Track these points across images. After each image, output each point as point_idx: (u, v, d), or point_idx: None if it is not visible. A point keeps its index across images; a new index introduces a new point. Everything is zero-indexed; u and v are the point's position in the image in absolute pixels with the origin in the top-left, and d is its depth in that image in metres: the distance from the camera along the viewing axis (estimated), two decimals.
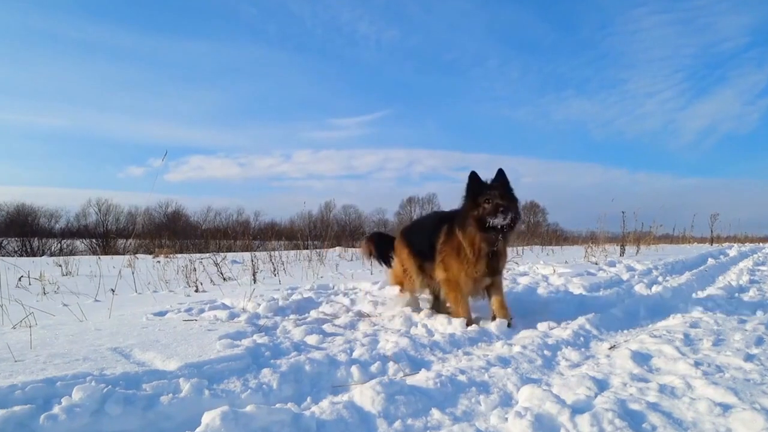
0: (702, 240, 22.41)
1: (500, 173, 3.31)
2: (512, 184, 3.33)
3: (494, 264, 3.35)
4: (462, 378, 2.16)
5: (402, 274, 3.89)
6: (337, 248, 14.01)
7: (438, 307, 3.79)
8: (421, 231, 3.80)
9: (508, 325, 3.26)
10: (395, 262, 4.05)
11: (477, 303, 3.67)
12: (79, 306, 3.84)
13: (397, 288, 3.95)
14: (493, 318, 3.43)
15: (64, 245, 33.66)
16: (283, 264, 8.08)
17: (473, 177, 3.29)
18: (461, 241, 3.32)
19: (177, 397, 1.82)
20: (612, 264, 7.63)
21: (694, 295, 5.02)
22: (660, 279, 6.09)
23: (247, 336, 2.74)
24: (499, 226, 3.17)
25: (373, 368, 2.34)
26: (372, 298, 4.32)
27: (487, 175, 3.35)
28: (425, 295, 4.02)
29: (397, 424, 1.78)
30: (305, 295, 4.35)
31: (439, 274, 3.48)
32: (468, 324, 3.22)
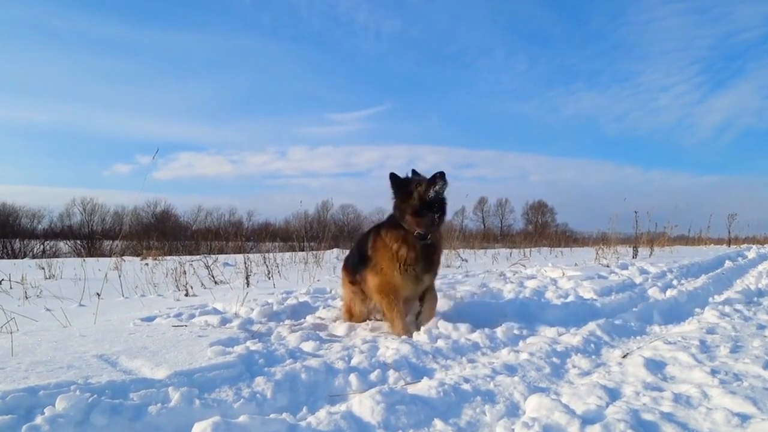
0: (719, 241, 22.40)
1: (441, 173, 3.25)
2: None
3: (431, 257, 3.30)
4: (466, 387, 2.17)
5: (348, 303, 3.69)
6: (334, 250, 13.99)
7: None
8: (356, 247, 3.72)
9: (417, 328, 3.25)
10: (343, 295, 3.80)
11: (477, 304, 3.67)
12: (63, 311, 3.84)
13: (346, 325, 3.51)
14: (417, 319, 3.43)
15: (47, 247, 33.61)
16: (277, 266, 8.08)
17: (393, 177, 3.30)
18: (388, 239, 3.27)
19: (166, 407, 1.82)
20: (624, 266, 7.62)
21: (710, 299, 5.02)
22: (675, 282, 6.09)
23: (240, 342, 2.74)
24: (436, 205, 3.16)
25: (373, 376, 2.34)
26: None
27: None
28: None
29: None
30: (301, 300, 4.35)
31: (371, 281, 3.33)
32: (405, 334, 3.15)
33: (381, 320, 3.61)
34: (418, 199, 3.19)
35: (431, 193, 3.17)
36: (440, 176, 3.18)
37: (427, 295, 3.48)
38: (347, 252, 4.11)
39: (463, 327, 3.26)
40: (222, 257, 11.04)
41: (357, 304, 3.61)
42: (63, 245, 33.51)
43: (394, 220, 3.32)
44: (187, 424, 1.74)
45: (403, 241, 3.23)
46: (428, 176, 3.26)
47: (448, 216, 3.42)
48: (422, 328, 3.19)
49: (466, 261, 10.38)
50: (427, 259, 3.28)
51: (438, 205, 3.20)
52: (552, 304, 4.29)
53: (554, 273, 6.57)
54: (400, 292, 3.29)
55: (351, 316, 3.68)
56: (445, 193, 3.24)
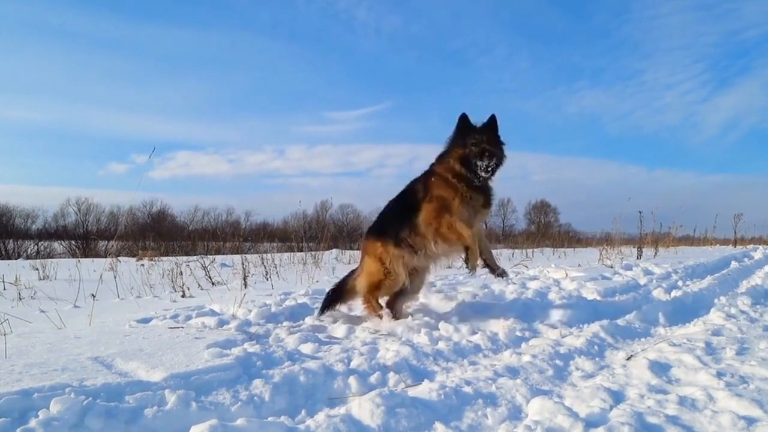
0: (725, 241, 22.42)
1: (492, 119, 3.52)
2: (500, 131, 3.57)
3: (486, 195, 3.52)
4: (467, 389, 2.17)
5: (378, 272, 3.62)
6: (333, 250, 14.01)
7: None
8: (392, 209, 3.75)
9: (496, 273, 3.61)
10: (367, 264, 3.73)
11: (479, 305, 3.67)
12: (58, 312, 3.84)
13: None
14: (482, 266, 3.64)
15: (41, 247, 33.63)
16: (275, 267, 8.08)
17: (463, 118, 3.51)
18: (444, 173, 3.46)
19: (162, 409, 1.82)
20: (628, 267, 7.62)
21: (716, 300, 5.02)
22: (680, 283, 6.09)
23: (238, 344, 2.74)
24: (481, 169, 3.39)
25: (373, 379, 2.34)
26: None
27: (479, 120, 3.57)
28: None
29: None
30: (300, 301, 4.35)
31: (426, 215, 3.44)
32: (471, 238, 3.35)
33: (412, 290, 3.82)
34: (464, 156, 3.42)
35: (477, 161, 3.37)
36: (488, 154, 3.36)
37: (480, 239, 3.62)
38: (375, 222, 4.00)
39: (465, 328, 3.27)
40: (219, 258, 11.02)
41: (400, 267, 3.59)
42: (57, 246, 33.55)
43: (445, 158, 3.52)
44: (184, 427, 1.74)
45: (460, 176, 3.43)
46: (486, 128, 3.50)
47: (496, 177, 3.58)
48: (422, 331, 3.20)
49: None
50: (483, 196, 3.50)
51: (484, 170, 3.39)
52: (555, 305, 4.29)
53: (557, 274, 6.57)
54: (464, 215, 3.42)
55: (381, 289, 3.68)
56: (494, 160, 3.41)
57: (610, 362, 2.80)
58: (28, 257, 25.30)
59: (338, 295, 3.92)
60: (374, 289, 3.71)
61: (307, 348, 2.81)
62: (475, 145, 3.39)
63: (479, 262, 3.57)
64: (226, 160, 75.83)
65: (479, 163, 3.37)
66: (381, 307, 3.74)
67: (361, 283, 3.76)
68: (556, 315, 3.82)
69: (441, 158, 3.58)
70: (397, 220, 3.62)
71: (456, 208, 3.40)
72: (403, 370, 2.45)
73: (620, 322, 3.60)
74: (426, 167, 3.69)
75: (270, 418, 1.86)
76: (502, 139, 3.55)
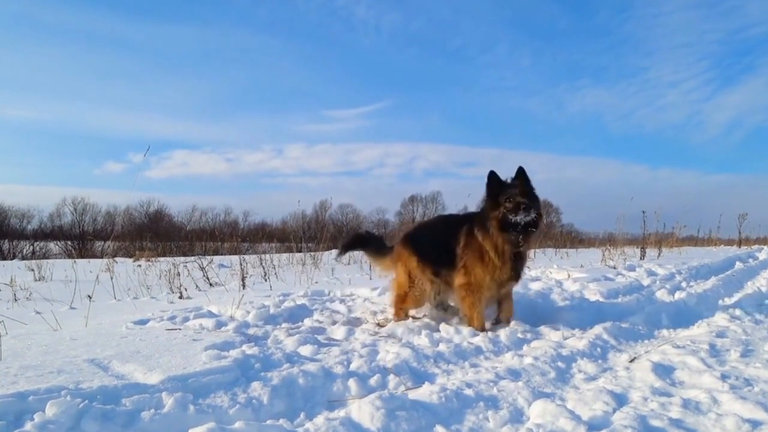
0: (729, 242, 22.41)
1: (520, 171, 3.45)
2: (533, 183, 3.49)
3: (518, 267, 3.47)
4: (469, 392, 2.17)
5: (407, 284, 3.76)
6: (333, 251, 14.00)
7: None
8: (435, 235, 3.83)
9: (503, 322, 3.62)
10: (399, 272, 3.86)
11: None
12: (53, 314, 3.84)
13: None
14: (497, 322, 3.68)
15: (37, 248, 33.68)
16: (274, 268, 8.09)
17: (492, 176, 3.44)
18: (483, 243, 3.43)
19: (159, 412, 1.82)
20: (631, 268, 7.63)
21: (720, 302, 5.02)
22: (683, 284, 6.09)
23: (236, 346, 2.75)
24: (521, 226, 3.30)
25: (372, 381, 2.34)
26: (371, 305, 4.33)
27: (506, 174, 3.50)
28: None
29: None
30: (298, 302, 4.35)
31: (459, 279, 3.52)
32: (482, 330, 3.38)
33: (447, 310, 3.93)
34: (501, 217, 3.32)
35: (514, 218, 3.28)
36: (525, 208, 3.25)
37: (505, 297, 3.71)
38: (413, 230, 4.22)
39: (466, 330, 3.27)
40: (217, 258, 11.03)
41: (426, 286, 3.72)
42: (53, 246, 33.59)
43: (485, 223, 3.43)
44: (181, 430, 1.74)
45: (496, 248, 3.38)
46: (517, 182, 3.40)
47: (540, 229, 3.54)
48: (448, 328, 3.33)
49: None
50: (514, 268, 3.44)
51: (523, 226, 3.30)
52: (557, 306, 4.29)
53: (559, 275, 6.57)
54: (485, 294, 3.48)
55: (407, 300, 3.77)
56: (533, 213, 3.30)
57: (613, 364, 2.80)
58: (23, 258, 25.34)
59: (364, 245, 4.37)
60: (401, 300, 3.82)
61: (306, 350, 2.81)
62: (509, 201, 3.30)
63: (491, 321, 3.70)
64: (224, 160, 75.85)
65: (516, 219, 3.27)
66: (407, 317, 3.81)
67: (391, 293, 3.95)
68: (558, 316, 3.82)
69: (481, 219, 3.49)
70: (439, 255, 3.69)
71: (486, 286, 3.46)
72: (403, 373, 2.46)
73: (623, 323, 3.60)
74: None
75: (268, 421, 1.86)
76: (535, 191, 3.45)
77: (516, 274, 3.49)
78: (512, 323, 3.53)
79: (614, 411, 2.00)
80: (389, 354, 2.70)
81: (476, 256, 3.45)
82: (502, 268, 3.40)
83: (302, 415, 2.00)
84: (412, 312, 3.90)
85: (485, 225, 3.42)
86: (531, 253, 13.81)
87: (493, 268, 3.40)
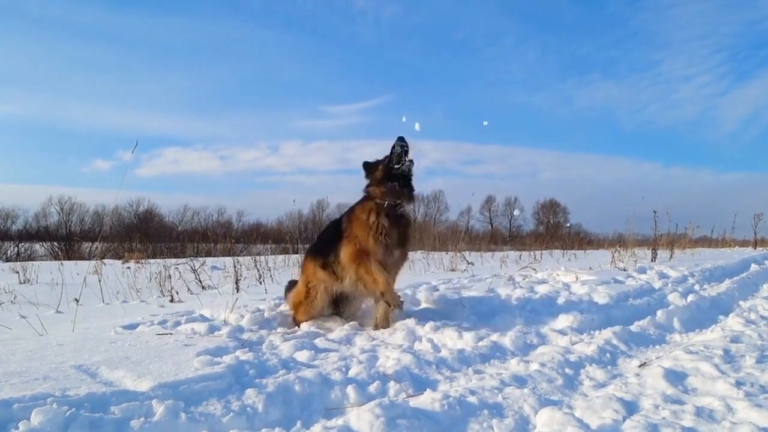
0: (744, 243, 22.40)
1: (401, 137, 3.71)
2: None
3: (403, 230, 3.64)
4: (472, 399, 2.17)
5: (303, 294, 3.80)
6: None
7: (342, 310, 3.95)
8: (329, 233, 3.96)
9: (375, 327, 3.61)
10: (298, 288, 3.92)
11: (484, 310, 3.67)
12: (39, 318, 3.84)
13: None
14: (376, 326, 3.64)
15: (22, 249, 33.67)
16: (269, 270, 8.08)
17: (365, 164, 3.86)
18: (360, 211, 3.65)
19: (150, 421, 1.82)
20: (642, 270, 7.63)
21: (735, 305, 5.03)
22: (696, 287, 6.10)
23: (229, 352, 2.75)
24: (402, 172, 3.63)
25: (372, 388, 2.34)
26: (370, 309, 4.32)
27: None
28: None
29: None
30: None
31: (345, 251, 3.58)
32: (388, 288, 3.44)
33: (330, 317, 3.88)
34: (382, 170, 3.69)
35: (398, 161, 3.63)
36: (400, 140, 3.63)
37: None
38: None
39: (469, 335, 3.27)
40: (210, 260, 11.04)
41: (320, 293, 3.76)
42: (39, 247, 33.55)
43: (366, 198, 3.74)
44: None
45: (375, 212, 3.59)
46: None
47: (416, 189, 3.81)
48: (424, 338, 3.20)
49: (473, 264, 10.37)
50: (399, 231, 3.62)
51: (399, 175, 3.64)
52: (565, 310, 4.29)
53: (567, 277, 6.57)
54: (372, 257, 3.53)
55: (299, 310, 3.81)
56: (407, 160, 3.64)
57: (623, 371, 2.81)
58: (7, 260, 25.32)
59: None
60: (295, 309, 3.87)
61: (302, 356, 2.81)
62: (388, 159, 3.67)
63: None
64: (216, 157, 75.85)
65: (400, 166, 3.63)
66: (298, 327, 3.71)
67: (288, 300, 4.06)
68: (565, 321, 3.82)
69: (360, 201, 3.78)
70: (328, 247, 3.78)
71: (371, 249, 3.53)
72: (404, 379, 2.46)
73: (634, 328, 3.61)
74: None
75: (263, 430, 1.86)
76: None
77: (402, 239, 3.63)
78: (518, 327, 3.48)
79: (624, 419, 2.00)
80: (389, 360, 2.70)
81: (357, 223, 3.61)
82: (386, 229, 3.53)
83: (299, 424, 2.00)
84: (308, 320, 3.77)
85: (365, 198, 3.72)
86: (532, 254, 13.84)
87: (372, 226, 3.53)
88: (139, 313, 4.36)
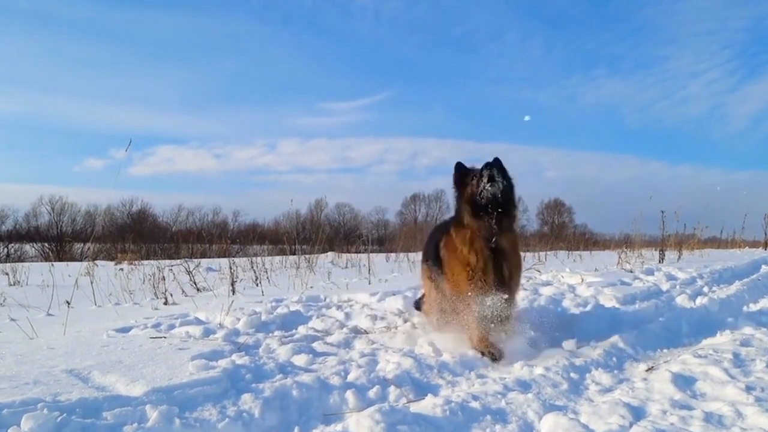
0: (754, 244, 22.37)
1: (495, 160, 3.19)
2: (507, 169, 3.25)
3: (499, 264, 3.13)
4: (475, 404, 2.17)
5: (432, 300, 3.63)
6: (329, 254, 14.04)
7: None
8: (432, 243, 3.66)
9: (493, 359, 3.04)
10: (425, 290, 3.85)
11: None
12: (29, 321, 3.84)
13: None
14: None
15: (12, 250, 33.64)
16: (266, 272, 8.08)
17: (458, 166, 3.31)
18: (455, 238, 3.22)
19: (143, 426, 1.83)
20: (649, 272, 7.63)
21: (745, 308, 5.02)
22: (705, 289, 6.10)
23: (225, 356, 2.75)
24: (490, 205, 3.05)
25: (372, 393, 2.34)
26: (370, 311, 4.33)
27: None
28: None
29: None
30: (292, 308, 4.36)
31: (446, 286, 3.34)
32: (484, 346, 3.06)
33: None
34: (470, 198, 3.13)
35: (482, 192, 3.06)
36: (488, 167, 3.08)
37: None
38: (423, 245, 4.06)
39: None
40: (205, 262, 11.04)
41: (427, 303, 3.69)
42: (29, 248, 33.57)
43: (458, 215, 3.27)
44: None
45: (471, 245, 3.13)
46: (486, 165, 3.14)
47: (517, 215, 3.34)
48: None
49: None
50: (496, 268, 3.12)
51: (494, 204, 3.05)
52: (570, 313, 4.30)
53: (572, 279, 6.58)
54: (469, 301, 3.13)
55: (431, 312, 3.68)
56: (501, 184, 3.07)
57: (629, 375, 2.81)
58: None
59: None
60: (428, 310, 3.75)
61: (300, 360, 2.81)
62: (474, 179, 3.15)
63: None
64: (212, 155, 75.65)
65: (483, 196, 3.06)
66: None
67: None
68: (570, 324, 3.82)
69: (456, 214, 3.34)
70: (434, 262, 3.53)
71: (464, 288, 3.16)
72: (404, 384, 2.46)
73: (641, 331, 3.60)
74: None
75: None
76: (508, 173, 3.22)
77: (499, 274, 3.12)
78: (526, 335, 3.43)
79: (631, 425, 2.00)
80: (390, 364, 2.70)
81: (452, 256, 3.25)
82: (477, 263, 3.09)
83: (296, 430, 2.00)
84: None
85: (458, 218, 3.25)
86: (537, 255, 13.83)
87: (467, 265, 3.11)
88: (133, 316, 4.36)
